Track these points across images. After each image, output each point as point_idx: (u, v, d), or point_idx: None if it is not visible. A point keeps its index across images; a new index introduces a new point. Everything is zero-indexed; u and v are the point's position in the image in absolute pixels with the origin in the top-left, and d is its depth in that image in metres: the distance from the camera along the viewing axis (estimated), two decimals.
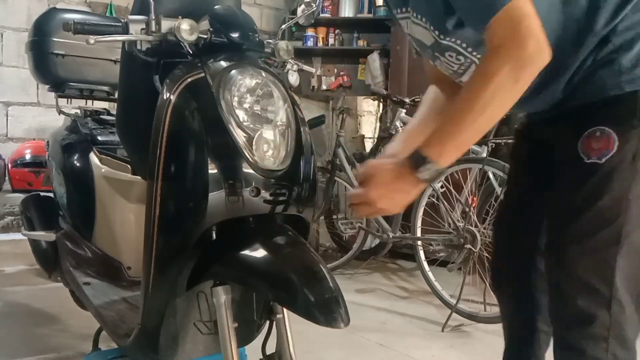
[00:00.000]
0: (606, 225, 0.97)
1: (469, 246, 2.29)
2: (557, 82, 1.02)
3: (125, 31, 1.16)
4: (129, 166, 1.75)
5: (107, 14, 3.95)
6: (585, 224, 0.99)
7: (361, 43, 4.50)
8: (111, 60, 2.16)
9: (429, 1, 1.03)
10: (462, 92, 0.96)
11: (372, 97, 4.39)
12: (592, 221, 0.98)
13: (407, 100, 3.04)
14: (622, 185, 0.95)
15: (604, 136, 0.96)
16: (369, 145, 4.63)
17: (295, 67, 1.38)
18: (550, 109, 1.07)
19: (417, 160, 0.95)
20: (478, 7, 0.93)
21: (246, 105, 1.09)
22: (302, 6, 1.45)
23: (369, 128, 5.06)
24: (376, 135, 3.95)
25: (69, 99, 2.20)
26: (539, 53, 0.89)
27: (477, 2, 0.94)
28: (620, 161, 0.95)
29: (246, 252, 1.04)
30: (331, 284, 0.98)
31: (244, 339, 1.29)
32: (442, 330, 2.26)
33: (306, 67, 1.45)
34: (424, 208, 2.70)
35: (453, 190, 2.60)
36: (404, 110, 3.06)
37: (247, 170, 1.06)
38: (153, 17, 1.13)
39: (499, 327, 2.25)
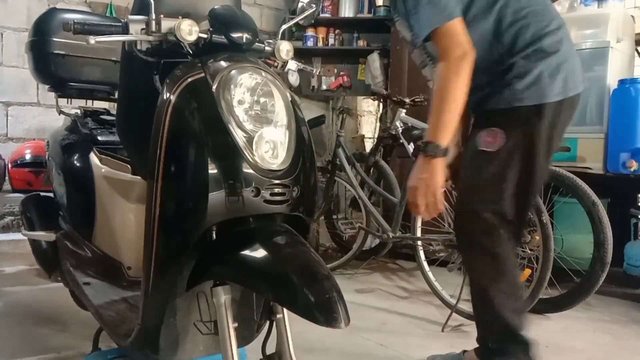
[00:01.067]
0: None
1: None
2: (479, 91, 1.51)
3: (125, 31, 1.16)
4: (129, 166, 1.75)
5: (107, 14, 3.95)
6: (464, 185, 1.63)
7: (361, 43, 4.50)
8: (111, 60, 2.15)
9: (403, 10, 1.52)
10: (434, 91, 1.45)
11: (372, 97, 4.36)
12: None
13: (407, 100, 3.03)
14: (500, 165, 1.48)
15: (494, 133, 1.47)
16: (369, 145, 4.63)
17: (295, 67, 1.38)
18: (475, 109, 1.57)
19: (423, 146, 1.43)
20: (426, 20, 1.44)
21: (246, 105, 1.09)
22: (302, 6, 1.44)
23: (369, 128, 5.06)
24: (376, 135, 3.94)
25: (69, 99, 2.20)
26: (465, 56, 1.41)
27: (424, 17, 1.44)
28: (503, 151, 1.47)
29: (246, 252, 1.04)
30: (331, 284, 0.98)
31: (244, 339, 1.29)
32: (442, 331, 2.26)
33: (306, 67, 1.45)
34: None
35: (453, 191, 2.60)
36: (404, 110, 3.05)
37: (247, 170, 1.06)
38: (153, 17, 1.13)
39: None
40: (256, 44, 1.23)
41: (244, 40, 1.18)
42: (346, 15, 4.48)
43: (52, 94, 2.15)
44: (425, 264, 2.65)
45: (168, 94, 1.11)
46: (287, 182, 1.11)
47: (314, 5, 1.44)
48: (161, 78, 1.19)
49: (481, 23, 1.50)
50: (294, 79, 4.36)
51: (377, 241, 3.31)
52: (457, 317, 2.33)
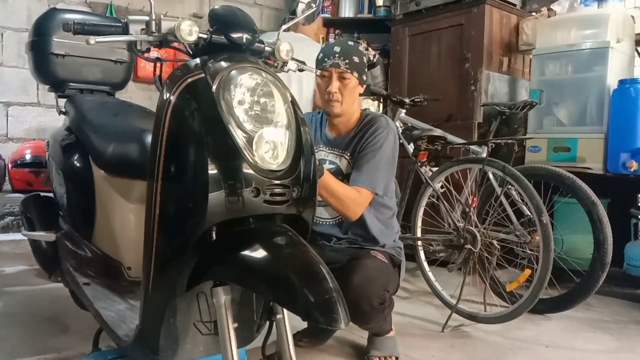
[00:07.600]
0: None
1: (469, 246, 2.29)
2: None
3: (125, 31, 1.16)
4: None
5: (107, 14, 3.96)
6: None
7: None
8: (111, 60, 2.16)
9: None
10: (349, 192, 1.81)
11: (372, 97, 4.37)
12: None
13: (406, 100, 3.03)
14: None
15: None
16: None
17: (295, 67, 1.38)
18: None
19: (319, 169, 1.64)
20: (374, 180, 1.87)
21: (246, 106, 1.09)
22: (302, 6, 1.44)
23: None
24: None
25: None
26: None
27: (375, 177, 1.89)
28: None
29: (246, 252, 1.04)
30: (331, 285, 0.98)
31: (244, 339, 1.29)
32: (442, 331, 2.26)
33: (306, 67, 1.45)
34: (424, 208, 2.70)
35: (453, 191, 2.60)
36: (404, 111, 3.05)
37: (247, 170, 1.06)
38: (153, 17, 1.14)
39: (499, 327, 2.26)
40: (256, 44, 1.23)
41: (244, 40, 1.18)
42: (346, 16, 4.49)
43: (52, 94, 2.15)
44: (425, 264, 2.65)
45: (168, 94, 1.11)
46: (287, 183, 1.11)
47: (314, 5, 1.44)
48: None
49: None
50: None
51: None
52: (457, 317, 2.33)
